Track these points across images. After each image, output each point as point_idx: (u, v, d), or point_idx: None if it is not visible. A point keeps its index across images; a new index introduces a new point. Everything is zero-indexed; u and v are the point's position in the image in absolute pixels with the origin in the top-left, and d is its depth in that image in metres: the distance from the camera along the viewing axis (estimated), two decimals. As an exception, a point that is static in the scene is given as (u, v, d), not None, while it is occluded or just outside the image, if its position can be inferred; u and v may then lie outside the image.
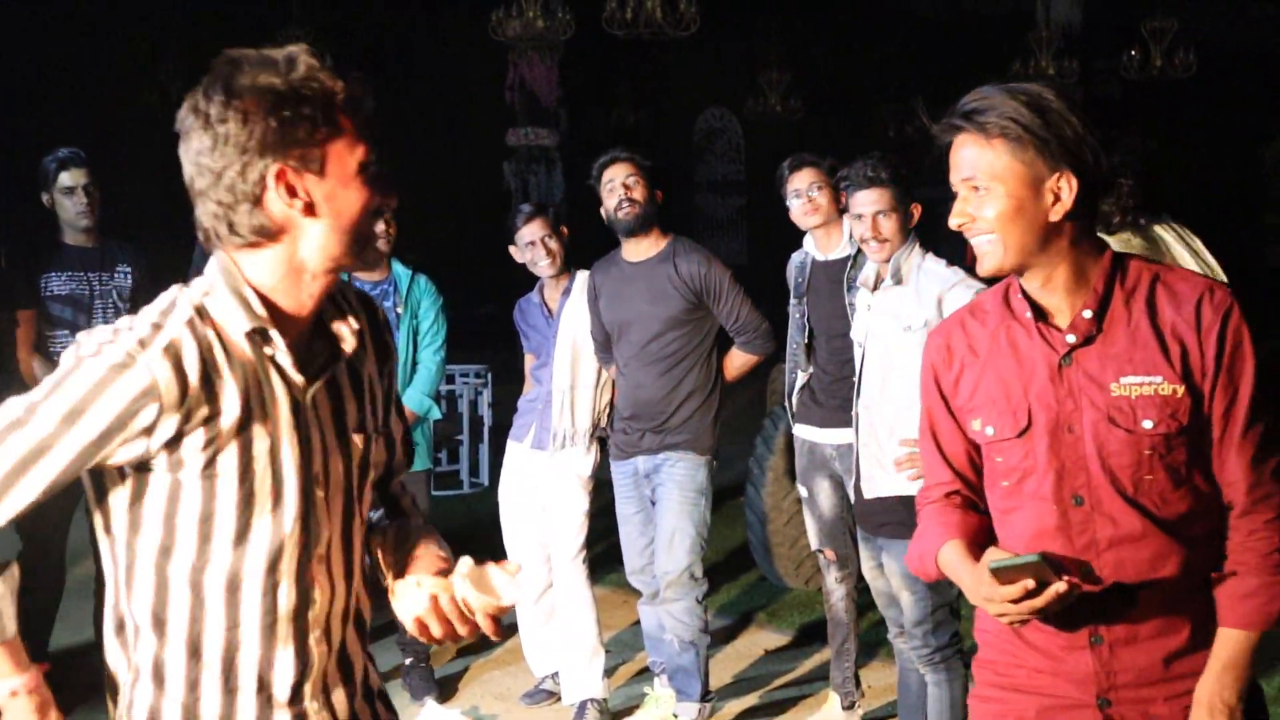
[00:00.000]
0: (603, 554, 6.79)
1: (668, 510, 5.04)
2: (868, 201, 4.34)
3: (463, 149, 19.30)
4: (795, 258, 5.17)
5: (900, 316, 4.31)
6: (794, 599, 6.85)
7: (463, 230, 17.82)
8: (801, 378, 5.07)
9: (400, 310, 5.38)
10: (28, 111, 16.52)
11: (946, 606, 4.34)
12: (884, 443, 4.32)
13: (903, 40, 22.33)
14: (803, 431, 5.08)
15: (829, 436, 4.93)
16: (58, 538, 5.35)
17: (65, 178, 5.28)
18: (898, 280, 4.33)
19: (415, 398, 5.36)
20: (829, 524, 5.06)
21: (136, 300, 5.41)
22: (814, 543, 5.18)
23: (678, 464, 5.05)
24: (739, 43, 22.28)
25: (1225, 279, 3.52)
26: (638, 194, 4.99)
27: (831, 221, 4.93)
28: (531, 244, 5.31)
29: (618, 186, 5.00)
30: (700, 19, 15.82)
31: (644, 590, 5.23)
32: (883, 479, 4.34)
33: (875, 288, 4.43)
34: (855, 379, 4.47)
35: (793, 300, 5.12)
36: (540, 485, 5.40)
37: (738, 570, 7.37)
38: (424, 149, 19.40)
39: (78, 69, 17.72)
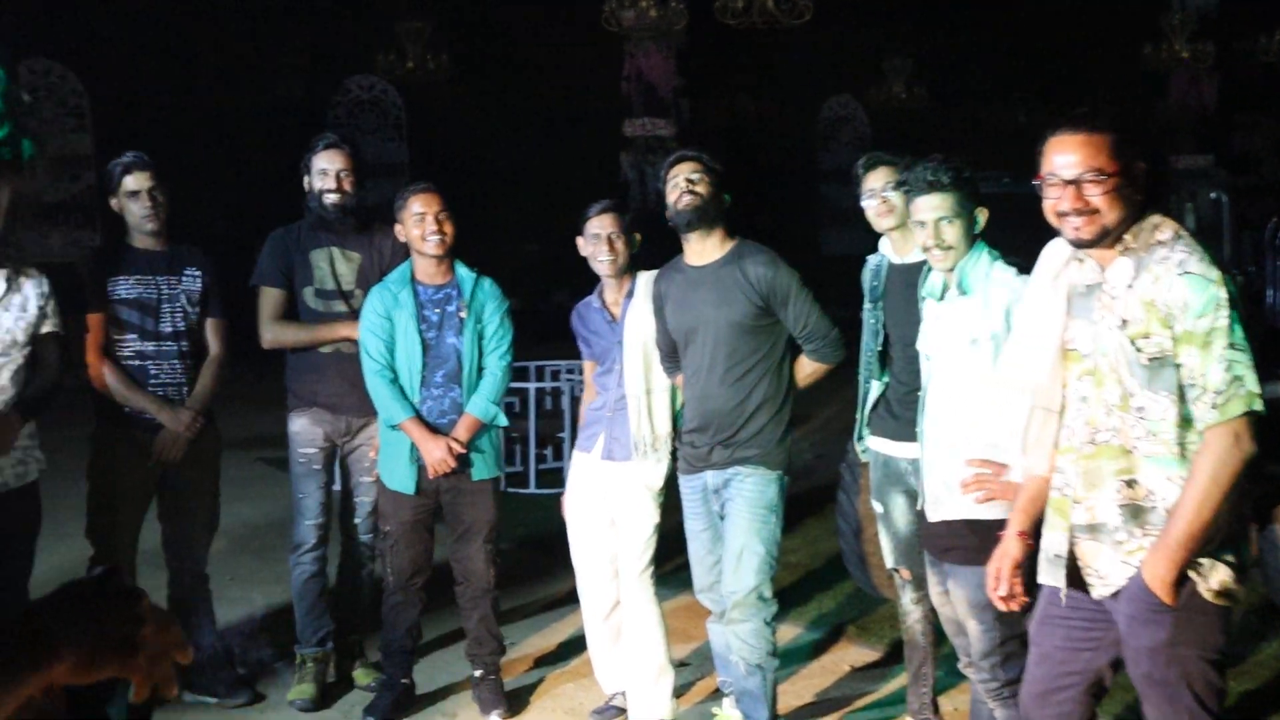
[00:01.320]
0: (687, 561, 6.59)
1: (736, 528, 4.82)
2: (929, 207, 4.11)
3: (579, 141, 19.20)
4: (871, 260, 4.93)
5: (966, 329, 4.07)
6: (887, 612, 6.54)
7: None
8: (876, 388, 4.83)
9: (464, 314, 5.23)
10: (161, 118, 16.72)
11: (1017, 639, 4.07)
12: (950, 462, 4.08)
13: (1031, 24, 21.71)
14: (877, 444, 4.84)
15: (904, 450, 4.67)
16: (127, 548, 5.30)
17: (130, 181, 5.24)
18: (963, 290, 4.07)
19: (481, 405, 5.22)
20: (905, 541, 4.81)
21: (205, 304, 5.35)
22: (889, 561, 4.94)
23: (747, 479, 4.83)
24: (863, 28, 21.90)
25: None
26: (701, 188, 4.78)
27: (908, 225, 4.67)
28: (597, 237, 5.14)
29: (681, 182, 4.80)
30: (816, 6, 15.51)
31: (712, 608, 5.03)
32: (949, 501, 4.10)
33: (941, 297, 4.18)
34: (922, 393, 4.23)
35: (867, 305, 4.88)
36: (608, 497, 5.23)
37: (831, 580, 7.11)
38: (540, 141, 19.35)
39: (199, 63, 17.91)
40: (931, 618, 4.92)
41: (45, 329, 4.93)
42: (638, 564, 5.16)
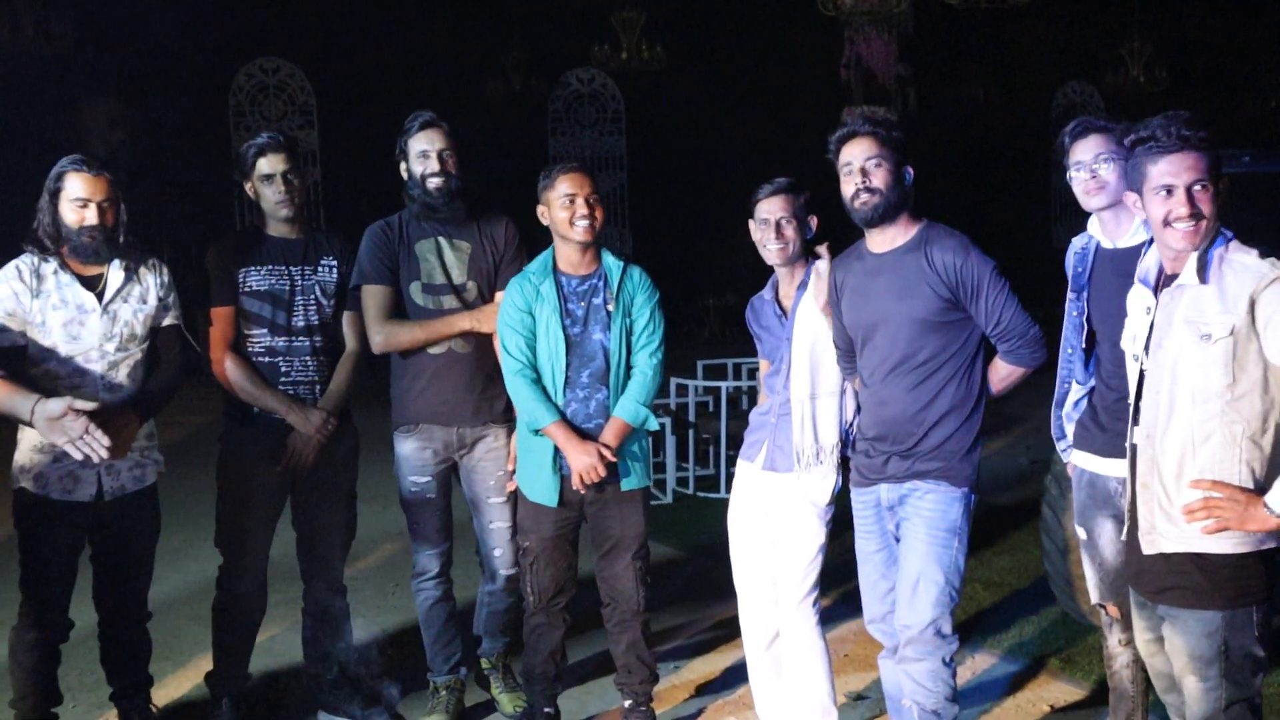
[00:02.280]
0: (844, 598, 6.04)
1: (913, 552, 4.23)
2: (1182, 168, 3.37)
3: (796, 128, 18.57)
4: (1076, 243, 4.26)
5: (1198, 321, 3.36)
6: (1097, 643, 5.85)
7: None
8: (1075, 392, 4.17)
9: (611, 307, 4.73)
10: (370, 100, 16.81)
11: (1245, 702, 3.39)
12: (1169, 485, 3.42)
13: (1282, 2, 20.26)
14: (1081, 460, 4.19)
15: (1113, 468, 4.02)
16: (258, 557, 4.98)
17: (264, 164, 4.88)
18: (1202, 276, 3.39)
19: (631, 408, 4.71)
20: (1113, 574, 4.16)
21: (341, 296, 4.99)
22: (1093, 595, 4.29)
23: (927, 496, 4.22)
24: (1099, 10, 20.77)
25: None
26: (878, 178, 4.18)
27: (1122, 204, 4.00)
28: (766, 222, 4.60)
29: (855, 171, 4.20)
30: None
31: (884, 642, 4.44)
32: (1168, 531, 3.43)
33: (1159, 285, 3.50)
34: (1130, 400, 3.56)
35: (1070, 295, 4.21)
36: (771, 512, 4.69)
37: (1035, 603, 6.41)
38: (759, 131, 18.85)
39: (419, 59, 17.96)
40: (1142, 661, 4.25)
41: (166, 321, 4.66)
42: (798, 590, 4.61)
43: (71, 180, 4.43)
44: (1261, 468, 3.34)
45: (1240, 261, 3.36)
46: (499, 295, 4.91)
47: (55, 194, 4.44)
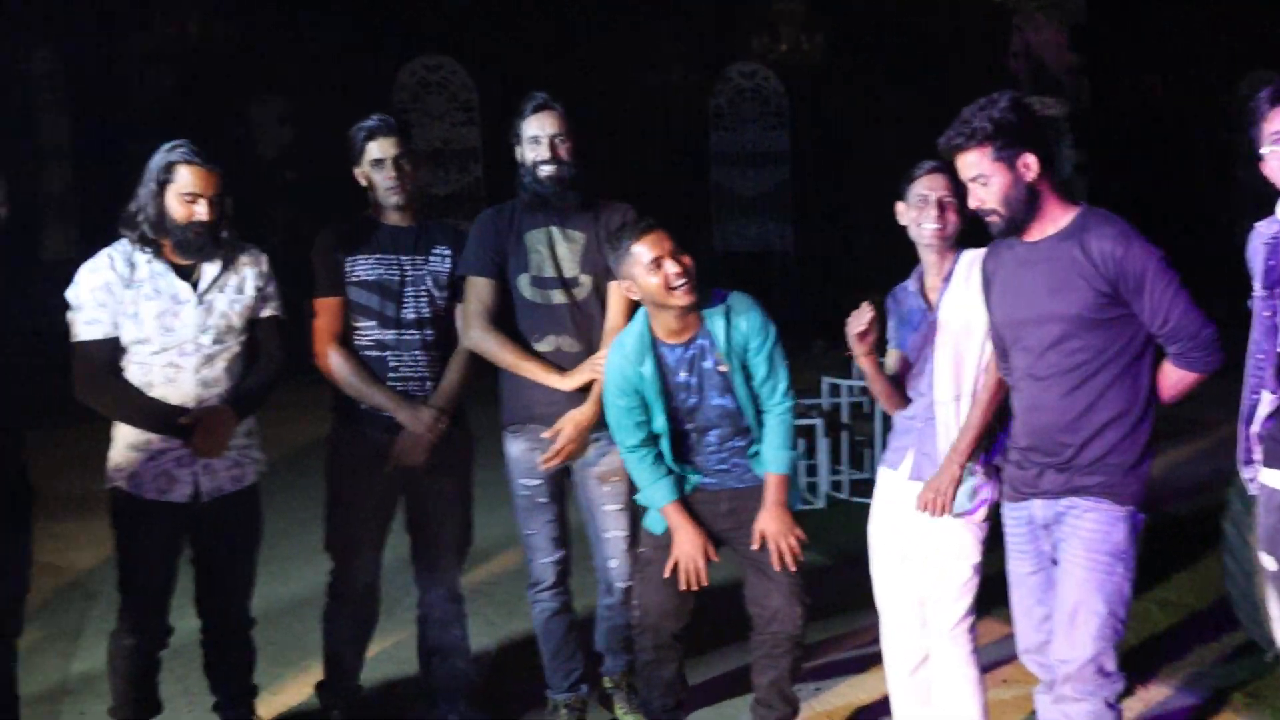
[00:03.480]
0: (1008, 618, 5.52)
1: (1071, 578, 3.75)
2: None
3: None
4: (1264, 230, 3.68)
5: None
6: (1287, 675, 5.32)
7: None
8: (1268, 402, 3.64)
9: (724, 368, 4.28)
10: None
11: None
12: None
13: None
14: (1270, 479, 3.67)
15: (1309, 487, 3.52)
16: (370, 563, 4.72)
17: (374, 148, 4.60)
18: None
19: (784, 458, 4.37)
20: (1304, 609, 3.65)
21: (454, 288, 4.69)
22: (1278, 633, 3.77)
23: (1087, 515, 3.74)
24: (1285, -7, 19.76)
25: None
26: (991, 195, 3.73)
27: None
28: (924, 199, 4.16)
29: (974, 187, 3.77)
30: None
31: (1040, 675, 3.97)
32: None
33: None
34: None
35: (1258, 291, 3.65)
36: (917, 527, 4.26)
37: (1217, 629, 5.84)
38: (922, 121, 18.30)
39: (579, 54, 17.87)
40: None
41: (265, 313, 4.40)
42: (950, 614, 4.17)
43: (183, 172, 4.20)
44: None
45: None
46: (599, 354, 4.55)
47: (163, 184, 4.22)
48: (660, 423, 4.31)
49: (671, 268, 4.15)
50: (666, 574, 4.35)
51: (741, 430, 4.35)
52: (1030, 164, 3.70)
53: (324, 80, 16.78)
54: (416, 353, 4.60)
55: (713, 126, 20.06)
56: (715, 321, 4.27)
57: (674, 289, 4.16)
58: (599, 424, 4.56)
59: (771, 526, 4.32)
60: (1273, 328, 3.60)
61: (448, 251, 4.69)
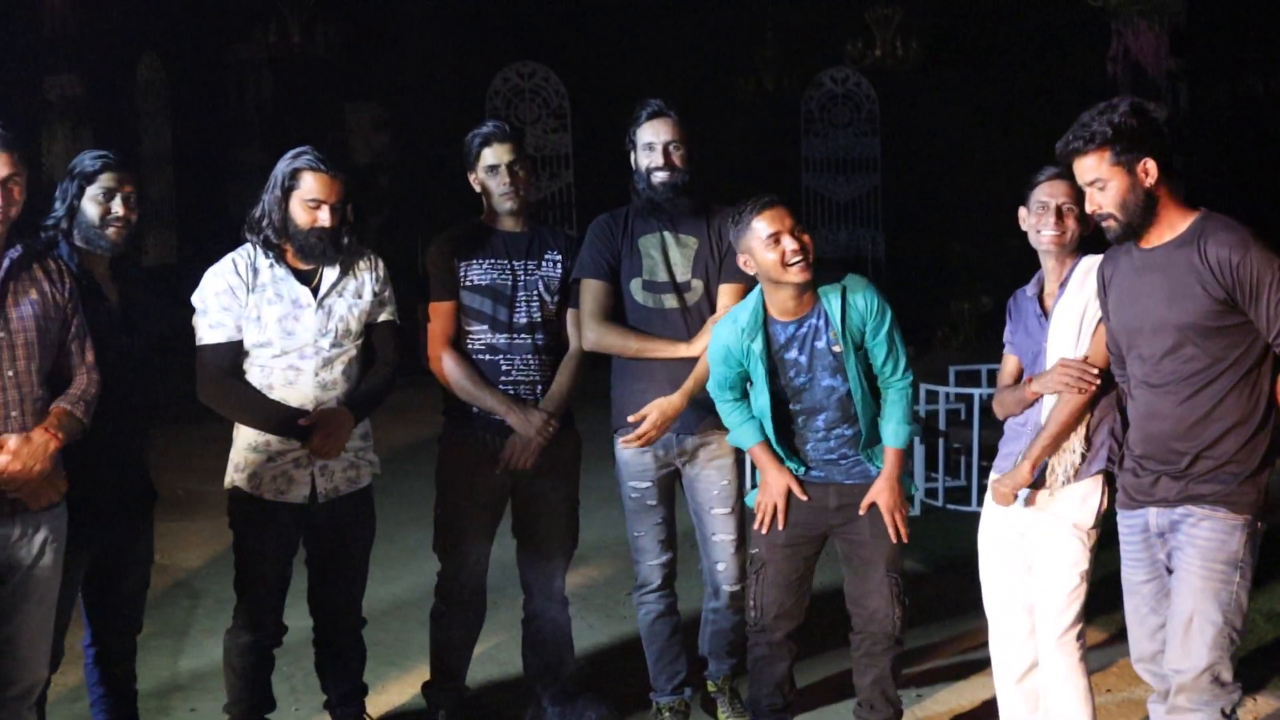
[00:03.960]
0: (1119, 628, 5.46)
1: (1186, 586, 3.72)
2: None
3: (1060, 128, 17.80)
4: None
5: None
6: (1400, 689, 5.23)
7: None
8: None
9: (838, 349, 4.29)
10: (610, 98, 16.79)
11: None
12: None
13: None
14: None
15: None
16: (477, 564, 4.78)
17: (489, 154, 4.67)
18: None
19: (901, 433, 4.40)
20: None
21: (565, 293, 4.75)
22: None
23: (1203, 523, 3.71)
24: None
25: None
26: (1110, 201, 3.73)
27: None
28: (1045, 205, 4.15)
29: (1089, 199, 3.80)
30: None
31: (1154, 684, 3.95)
32: None
33: None
34: None
35: None
36: (1027, 533, 4.25)
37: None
38: (1016, 128, 18.14)
39: (672, 60, 17.92)
40: None
41: (382, 317, 4.49)
42: (1058, 622, 4.16)
43: (308, 179, 4.30)
44: None
45: None
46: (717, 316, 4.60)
47: (288, 191, 4.31)
48: (764, 401, 4.34)
49: (789, 244, 4.18)
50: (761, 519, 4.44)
51: (850, 418, 4.36)
52: (1149, 169, 3.69)
53: (418, 87, 16.97)
54: (528, 356, 4.67)
55: (804, 132, 20.01)
56: (831, 300, 4.28)
57: (790, 265, 4.18)
58: (714, 425, 4.62)
59: (884, 498, 4.37)
60: None
61: (559, 257, 4.75)
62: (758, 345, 4.29)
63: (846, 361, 4.28)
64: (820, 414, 4.36)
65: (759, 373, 4.31)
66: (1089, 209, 3.80)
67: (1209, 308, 3.64)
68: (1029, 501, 4.20)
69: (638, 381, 4.69)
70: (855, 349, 4.29)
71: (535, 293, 4.70)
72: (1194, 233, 3.70)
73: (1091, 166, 3.72)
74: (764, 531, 4.47)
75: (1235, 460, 3.70)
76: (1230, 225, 3.69)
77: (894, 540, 4.40)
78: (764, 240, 4.20)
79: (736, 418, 4.44)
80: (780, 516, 4.42)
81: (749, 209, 4.25)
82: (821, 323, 4.30)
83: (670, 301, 4.68)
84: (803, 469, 4.43)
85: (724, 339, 4.36)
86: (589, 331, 4.69)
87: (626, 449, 4.72)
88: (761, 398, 4.35)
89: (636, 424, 4.63)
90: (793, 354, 4.32)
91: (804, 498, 4.40)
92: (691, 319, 4.67)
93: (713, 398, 4.48)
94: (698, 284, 4.69)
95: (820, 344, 4.30)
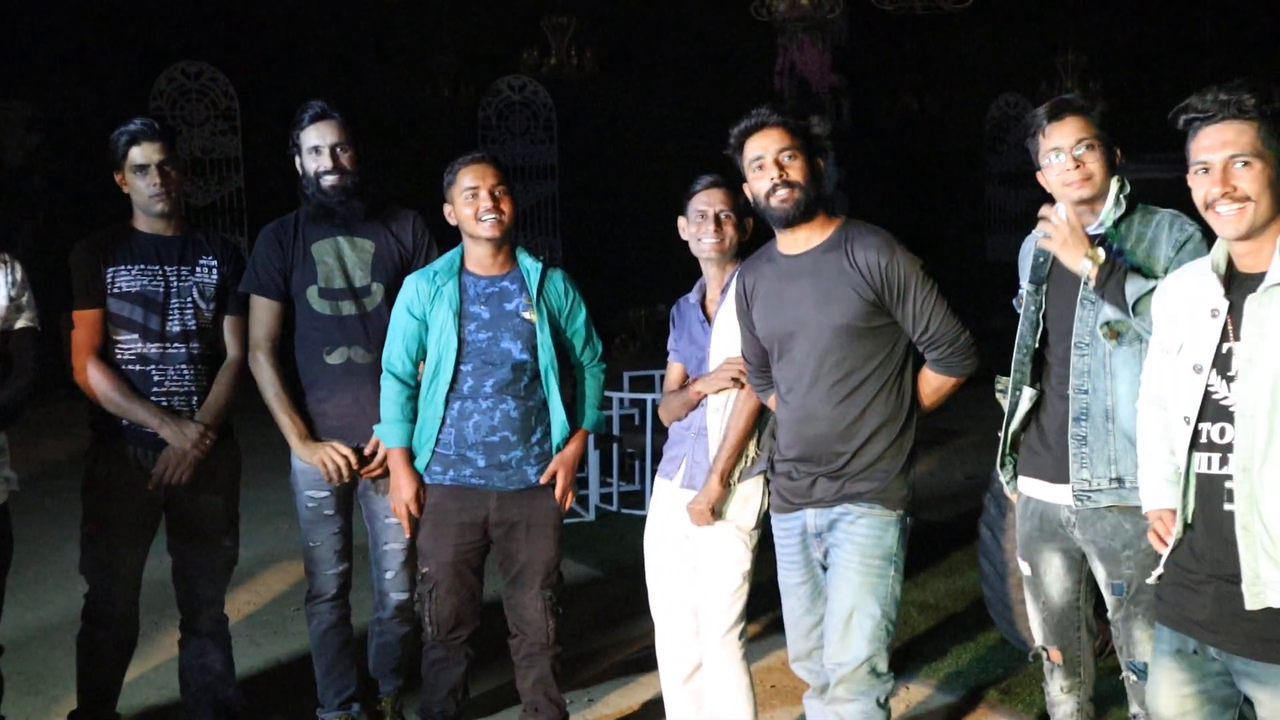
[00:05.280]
0: (773, 625, 5.63)
1: (845, 582, 3.82)
2: (1219, 143, 2.95)
3: (729, 137, 18.32)
4: (1037, 234, 3.80)
5: None
6: (1038, 671, 5.51)
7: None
8: (1028, 398, 3.77)
9: (531, 315, 4.34)
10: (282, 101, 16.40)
11: None
12: (1274, 526, 2.89)
13: (1218, 11, 20.16)
14: (1028, 487, 3.82)
15: (1065, 495, 3.67)
16: (128, 584, 4.52)
17: (136, 154, 4.42)
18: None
19: (593, 416, 4.57)
20: (1058, 615, 3.82)
21: (222, 300, 4.55)
22: (1036, 638, 3.94)
23: (859, 521, 3.83)
24: (1033, 21, 20.68)
25: None
26: (795, 171, 3.78)
27: (1101, 195, 3.63)
28: (702, 215, 4.25)
29: (769, 164, 3.78)
30: (985, -1, 14.47)
31: (811, 681, 4.06)
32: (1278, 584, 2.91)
33: (1229, 284, 3.02)
34: (1190, 422, 3.04)
35: (1025, 288, 3.81)
36: (692, 536, 4.31)
37: (973, 629, 6.06)
38: (689, 137, 18.58)
39: (346, 64, 17.61)
40: (1090, 713, 3.91)
41: (18, 324, 4.17)
42: (722, 621, 4.23)
43: None
44: None
45: None
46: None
47: None
48: (436, 356, 4.33)
49: (485, 202, 4.28)
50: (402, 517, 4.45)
51: (521, 391, 4.35)
52: (822, 166, 3.86)
53: (75, 84, 16.15)
54: (182, 366, 4.45)
55: (481, 139, 19.95)
56: (530, 270, 4.39)
57: (482, 220, 4.29)
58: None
59: (564, 470, 4.41)
60: (1035, 325, 3.76)
61: (214, 262, 4.55)
62: (450, 288, 4.32)
63: (540, 332, 4.33)
64: (493, 375, 4.32)
65: (443, 314, 4.30)
66: (773, 175, 3.77)
67: (860, 309, 3.75)
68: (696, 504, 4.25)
69: (312, 390, 4.59)
70: (549, 324, 4.36)
71: (189, 300, 4.48)
72: (840, 238, 3.81)
73: (783, 137, 3.80)
74: (406, 535, 4.49)
75: (886, 458, 3.83)
76: (874, 230, 3.82)
77: (563, 505, 4.47)
78: (463, 192, 4.30)
79: (393, 410, 4.39)
80: (405, 524, 4.46)
81: (460, 161, 4.35)
82: (515, 287, 4.37)
83: (349, 308, 4.56)
84: (467, 470, 4.38)
85: (412, 284, 4.39)
86: (253, 357, 4.57)
87: (302, 460, 4.57)
88: (444, 341, 4.31)
89: (325, 435, 4.57)
90: (477, 307, 4.34)
91: (415, 513, 4.42)
92: (371, 325, 4.55)
93: (384, 372, 4.42)
94: (378, 289, 4.58)
95: (510, 306, 4.34)
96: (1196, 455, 3.04)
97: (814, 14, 16.79)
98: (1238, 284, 3.02)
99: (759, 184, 3.81)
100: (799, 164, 3.78)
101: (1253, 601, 2.91)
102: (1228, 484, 2.97)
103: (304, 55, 17.33)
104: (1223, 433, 3.00)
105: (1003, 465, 3.91)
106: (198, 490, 4.47)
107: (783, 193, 3.77)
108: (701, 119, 19.10)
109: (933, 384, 3.88)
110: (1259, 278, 2.97)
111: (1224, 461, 2.99)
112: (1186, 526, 3.08)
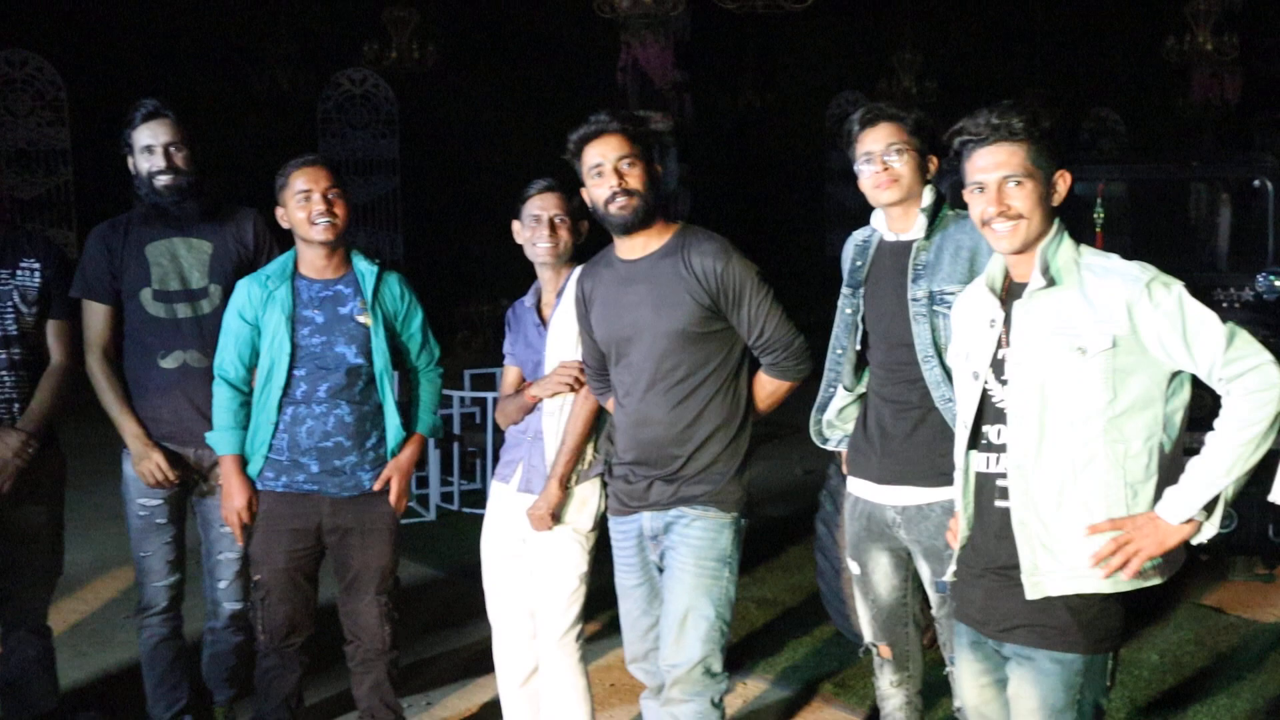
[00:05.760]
0: (612, 624, 5.67)
1: (680, 584, 3.85)
2: (992, 163, 3.08)
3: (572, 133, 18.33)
4: (858, 235, 3.96)
5: (1067, 334, 3.04)
6: (872, 665, 5.64)
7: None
8: (841, 398, 3.89)
9: (365, 319, 4.30)
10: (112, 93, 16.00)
11: None
12: (1049, 518, 3.06)
13: (1048, 14, 20.79)
14: (856, 488, 3.91)
15: (891, 496, 3.76)
16: None
17: None
18: (1054, 279, 3.08)
19: (429, 421, 4.56)
20: (886, 612, 3.91)
21: (45, 304, 4.42)
22: (866, 634, 4.03)
23: (694, 524, 3.86)
24: (870, 20, 21.10)
25: None
26: (633, 179, 3.79)
27: (914, 197, 3.74)
28: (536, 219, 4.24)
29: (608, 171, 3.78)
30: (823, -2, 14.69)
31: (647, 682, 4.09)
32: (1054, 570, 3.07)
33: (1006, 295, 3.18)
34: (968, 424, 3.20)
35: (845, 291, 3.91)
36: (528, 539, 4.31)
37: (809, 623, 6.16)
38: (532, 132, 18.56)
39: (180, 54, 17.25)
40: (918, 705, 4.01)
41: None
42: (559, 624, 4.24)
43: None
44: (1144, 487, 3.05)
45: (1102, 265, 3.06)
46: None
47: None
48: (268, 361, 4.27)
49: (317, 205, 4.23)
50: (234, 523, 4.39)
51: (357, 396, 4.32)
52: (660, 172, 3.88)
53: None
54: (2, 374, 4.32)
55: (321, 133, 19.69)
56: (365, 274, 4.36)
57: (314, 223, 4.24)
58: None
59: (398, 475, 4.40)
60: (853, 325, 3.87)
61: (36, 265, 4.41)
62: (282, 292, 4.27)
63: (375, 336, 4.30)
64: (328, 380, 4.28)
65: (276, 318, 4.25)
66: (613, 183, 3.77)
67: (696, 314, 3.78)
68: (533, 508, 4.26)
69: (144, 394, 4.49)
70: (385, 328, 4.33)
71: (9, 304, 4.35)
72: (676, 244, 3.84)
73: (622, 144, 3.80)
74: (239, 543, 4.43)
75: (721, 461, 3.87)
76: (710, 236, 3.85)
77: (393, 529, 4.45)
78: (296, 195, 4.25)
79: (225, 417, 4.33)
80: (238, 532, 4.39)
81: (292, 164, 4.28)
82: (350, 290, 4.34)
83: (184, 311, 4.47)
84: (300, 476, 4.32)
85: (243, 289, 4.33)
86: (90, 359, 4.48)
87: (135, 465, 4.47)
88: (275, 346, 4.26)
89: (160, 440, 4.46)
90: (310, 311, 4.29)
91: (247, 521, 4.36)
92: (207, 328, 4.46)
93: (216, 374, 4.35)
94: (216, 290, 4.50)
95: (345, 310, 4.31)
96: (975, 455, 3.21)
97: (657, 10, 16.91)
98: (1014, 294, 3.18)
99: (598, 191, 3.81)
100: (638, 171, 3.79)
101: (1032, 591, 3.09)
102: (1000, 482, 3.16)
103: (135, 44, 16.93)
104: (999, 434, 3.16)
105: (822, 439, 4.10)
106: (19, 500, 4.34)
107: (622, 200, 3.77)
108: (545, 114, 19.09)
109: (767, 388, 3.93)
110: (1022, 286, 3.15)
111: (999, 461, 3.16)
112: (970, 524, 3.23)
